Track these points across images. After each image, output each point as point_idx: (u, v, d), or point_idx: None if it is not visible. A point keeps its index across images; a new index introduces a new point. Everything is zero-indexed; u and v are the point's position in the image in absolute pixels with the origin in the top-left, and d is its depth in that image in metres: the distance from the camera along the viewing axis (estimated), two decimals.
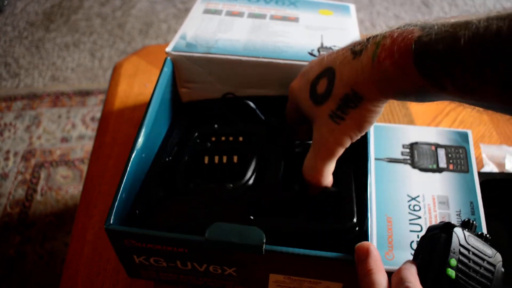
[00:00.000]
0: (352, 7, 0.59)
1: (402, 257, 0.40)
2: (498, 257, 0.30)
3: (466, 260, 0.29)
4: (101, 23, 1.72)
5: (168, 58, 0.48)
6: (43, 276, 1.02)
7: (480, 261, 0.30)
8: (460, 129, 0.51)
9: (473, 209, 0.44)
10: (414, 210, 0.44)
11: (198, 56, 0.48)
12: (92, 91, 1.46)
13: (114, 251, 0.38)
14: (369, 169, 0.40)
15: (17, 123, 1.35)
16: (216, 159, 0.44)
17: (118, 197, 0.36)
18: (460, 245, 0.29)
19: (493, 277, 0.29)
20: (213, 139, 0.47)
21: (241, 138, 0.47)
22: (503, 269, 0.30)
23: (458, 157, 0.48)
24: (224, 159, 0.44)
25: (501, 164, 0.54)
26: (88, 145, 1.28)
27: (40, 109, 1.40)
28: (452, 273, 0.28)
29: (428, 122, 0.62)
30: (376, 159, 0.48)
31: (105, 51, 1.60)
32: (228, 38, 0.50)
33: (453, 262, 0.29)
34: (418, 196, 0.45)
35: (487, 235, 0.32)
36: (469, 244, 0.30)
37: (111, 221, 0.35)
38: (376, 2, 1.80)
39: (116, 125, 0.61)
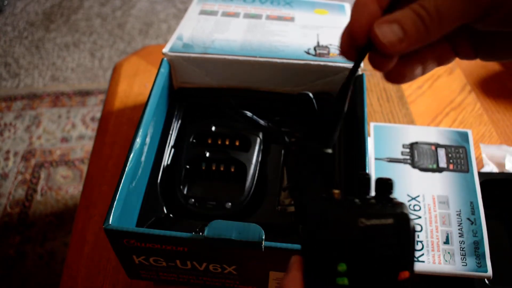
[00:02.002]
0: (347, 6, 0.59)
1: None
2: (403, 216, 0.23)
3: (361, 253, 0.23)
4: (101, 23, 1.72)
5: (165, 59, 0.48)
6: (43, 276, 1.02)
7: (382, 239, 0.23)
8: (460, 129, 0.51)
9: (473, 209, 0.44)
10: (414, 210, 0.44)
11: (195, 57, 0.48)
12: (92, 91, 1.46)
13: (114, 252, 0.38)
14: (367, 168, 0.40)
15: (17, 123, 1.35)
16: (214, 166, 0.46)
17: (116, 198, 0.36)
18: (347, 238, 0.23)
19: (409, 242, 0.23)
20: (210, 141, 0.47)
21: (237, 143, 0.47)
22: (413, 225, 0.23)
23: (458, 157, 0.48)
24: (222, 167, 0.45)
25: (501, 164, 0.54)
26: (88, 145, 1.28)
27: (40, 109, 1.40)
28: (344, 280, 0.23)
29: (428, 122, 0.62)
30: (376, 159, 0.48)
31: (105, 51, 1.60)
32: (224, 38, 0.50)
33: (343, 267, 0.23)
34: (418, 196, 0.45)
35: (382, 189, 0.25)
36: (359, 229, 0.23)
37: (110, 221, 0.35)
38: None
39: (116, 125, 0.61)
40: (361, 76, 0.47)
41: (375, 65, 0.26)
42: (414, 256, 0.23)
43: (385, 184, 0.24)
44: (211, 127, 0.47)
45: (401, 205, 0.24)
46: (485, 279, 0.41)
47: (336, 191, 0.24)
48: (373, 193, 0.24)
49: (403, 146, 0.49)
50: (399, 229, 0.23)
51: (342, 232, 0.23)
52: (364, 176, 0.24)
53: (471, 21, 0.24)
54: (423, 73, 0.28)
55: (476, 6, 0.23)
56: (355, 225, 0.23)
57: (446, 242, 0.42)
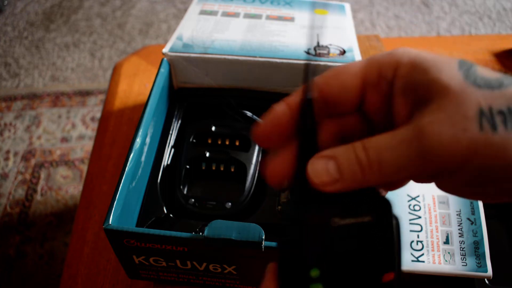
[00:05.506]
0: (347, 6, 0.59)
1: (402, 257, 0.40)
2: (384, 212, 0.21)
3: (335, 256, 0.21)
4: (101, 23, 1.72)
5: (165, 59, 0.48)
6: (43, 276, 1.02)
7: (360, 240, 0.21)
8: None
9: (473, 209, 0.44)
10: (414, 210, 0.44)
11: (195, 57, 0.48)
12: (92, 91, 1.45)
13: (114, 252, 0.38)
14: None
15: (17, 123, 1.35)
16: (214, 166, 0.46)
17: (116, 198, 0.36)
18: (318, 240, 0.21)
19: (392, 241, 0.21)
20: (210, 141, 0.47)
21: (237, 143, 0.47)
22: (396, 221, 0.21)
23: None
24: (222, 167, 0.46)
25: None
26: (88, 145, 1.28)
27: (40, 109, 1.40)
28: (318, 287, 0.21)
29: None
30: None
31: (105, 51, 1.60)
32: (224, 38, 0.50)
33: (315, 272, 0.21)
34: (418, 196, 0.45)
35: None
36: (331, 230, 0.20)
37: (110, 221, 0.35)
38: (376, 2, 1.80)
39: (116, 125, 0.61)
40: None
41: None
42: (399, 255, 0.21)
43: None
44: (211, 127, 0.47)
45: (382, 199, 0.21)
46: (485, 279, 0.41)
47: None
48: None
49: None
50: (380, 226, 0.21)
51: (312, 234, 0.20)
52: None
53: (423, 178, 0.21)
54: None
55: (430, 166, 0.19)
56: (327, 225, 0.20)
57: (446, 242, 0.42)
